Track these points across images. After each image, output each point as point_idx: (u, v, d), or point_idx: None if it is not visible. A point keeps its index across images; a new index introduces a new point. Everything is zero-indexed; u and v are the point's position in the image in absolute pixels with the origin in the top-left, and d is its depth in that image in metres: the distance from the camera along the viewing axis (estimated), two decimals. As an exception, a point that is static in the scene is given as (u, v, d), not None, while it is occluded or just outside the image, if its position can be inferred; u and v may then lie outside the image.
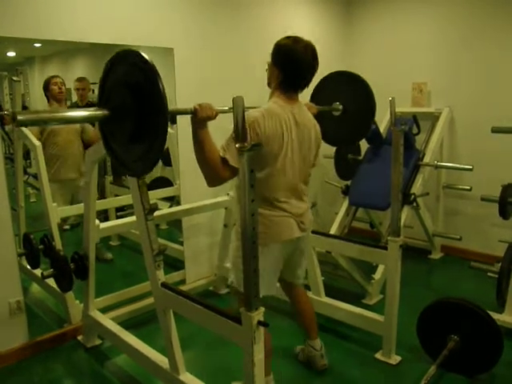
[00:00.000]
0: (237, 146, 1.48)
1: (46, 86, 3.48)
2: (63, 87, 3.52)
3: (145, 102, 1.60)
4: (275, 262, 2.14)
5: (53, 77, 3.49)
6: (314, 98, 2.77)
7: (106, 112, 1.71)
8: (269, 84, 2.12)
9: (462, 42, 4.11)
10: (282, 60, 2.01)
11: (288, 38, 2.03)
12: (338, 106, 2.72)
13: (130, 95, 1.64)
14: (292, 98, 2.07)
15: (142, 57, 1.59)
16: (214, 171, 1.87)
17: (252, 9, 3.76)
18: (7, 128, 3.17)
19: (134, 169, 1.79)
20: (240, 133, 1.51)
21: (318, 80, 2.72)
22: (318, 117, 2.51)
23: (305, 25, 4.27)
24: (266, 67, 2.10)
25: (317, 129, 2.19)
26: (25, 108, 3.57)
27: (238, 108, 1.54)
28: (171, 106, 1.56)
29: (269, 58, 2.06)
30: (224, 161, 1.86)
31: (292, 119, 2.02)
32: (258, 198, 1.60)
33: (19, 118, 1.42)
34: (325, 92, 2.77)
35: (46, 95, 3.50)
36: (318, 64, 2.06)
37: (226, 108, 1.98)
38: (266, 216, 2.03)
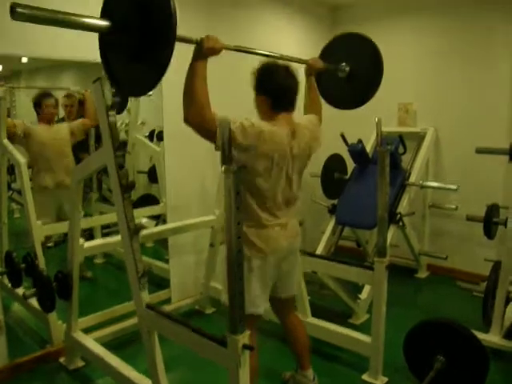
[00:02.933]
0: (223, 168, 1.47)
1: (38, 104, 3.47)
2: (56, 109, 3.53)
3: (152, 17, 1.54)
4: (263, 276, 2.08)
5: (46, 96, 3.48)
6: (322, 56, 2.69)
7: (108, 23, 1.62)
8: (261, 115, 2.10)
9: (447, 63, 4.18)
10: (266, 84, 2.04)
11: (263, 64, 2.08)
12: (345, 67, 2.63)
13: (137, 9, 1.57)
14: (286, 117, 2.06)
15: None
16: (199, 107, 1.81)
17: (242, 28, 3.82)
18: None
19: (131, 89, 1.75)
20: (226, 154, 1.50)
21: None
22: (324, 75, 2.51)
23: (291, 48, 4.32)
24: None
25: (314, 135, 2.20)
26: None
27: (224, 132, 1.53)
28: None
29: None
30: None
31: (290, 135, 2.03)
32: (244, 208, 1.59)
33: (18, 10, 1.34)
34: (334, 52, 2.70)
35: (36, 110, 3.49)
36: (298, 82, 2.09)
37: (232, 46, 1.96)
38: (252, 229, 2.02)
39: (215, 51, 1.81)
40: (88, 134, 3.77)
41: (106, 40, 1.74)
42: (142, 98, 3.89)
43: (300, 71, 2.44)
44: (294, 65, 2.17)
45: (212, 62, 1.86)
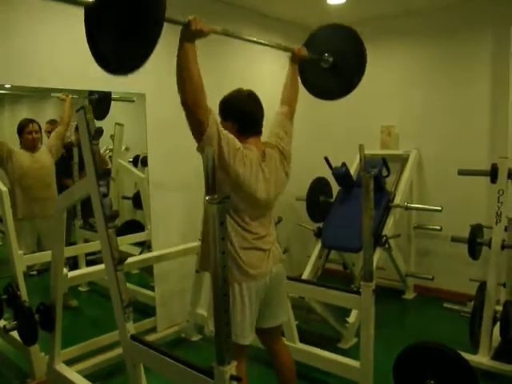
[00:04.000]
0: (207, 198, 1.46)
1: (20, 131, 3.45)
2: (38, 134, 3.49)
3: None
4: (249, 303, 2.05)
5: (28, 122, 3.45)
6: (307, 46, 2.67)
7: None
8: None
9: (428, 87, 4.28)
10: (232, 110, 2.09)
11: (227, 94, 2.14)
12: (328, 57, 2.63)
13: None
14: (255, 141, 2.11)
15: None
16: (195, 87, 1.80)
17: (225, 56, 3.86)
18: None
19: (118, 67, 1.71)
20: (210, 185, 1.50)
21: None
22: (307, 66, 2.54)
23: (273, 74, 4.36)
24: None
25: (284, 155, 2.22)
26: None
27: (208, 161, 1.53)
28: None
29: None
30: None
31: (259, 157, 2.06)
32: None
33: None
34: (317, 42, 2.70)
35: (19, 137, 3.46)
36: (262, 107, 2.15)
37: (219, 29, 1.95)
38: (237, 251, 2.01)
39: (203, 33, 1.79)
40: (72, 158, 3.74)
41: (92, 16, 1.71)
42: (126, 124, 3.89)
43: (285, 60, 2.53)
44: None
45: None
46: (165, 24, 1.56)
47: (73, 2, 1.59)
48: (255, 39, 2.32)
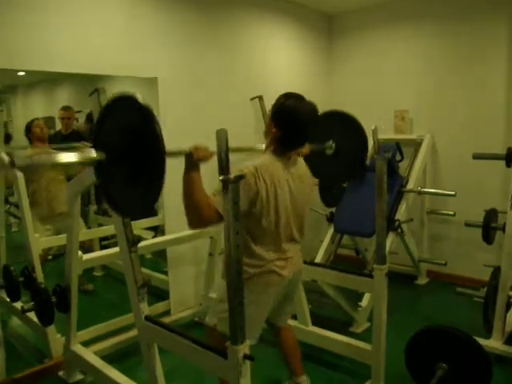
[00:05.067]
0: (220, 178, 1.47)
1: (28, 130, 3.51)
2: (44, 129, 3.55)
3: (142, 145, 1.58)
4: (263, 310, 2.10)
5: (33, 120, 3.54)
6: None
7: (102, 155, 1.68)
8: (265, 135, 2.09)
9: (442, 70, 4.21)
10: (284, 120, 1.98)
11: (290, 97, 2.00)
12: (331, 144, 2.65)
13: (127, 138, 1.62)
14: (285, 155, 2.04)
15: (138, 102, 1.58)
16: (201, 215, 1.78)
17: (236, 41, 3.83)
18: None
19: (132, 212, 1.79)
20: (224, 165, 1.50)
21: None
22: (311, 155, 2.50)
23: (288, 58, 4.35)
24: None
25: (310, 179, 2.22)
26: (8, 136, 3.56)
27: (221, 141, 1.54)
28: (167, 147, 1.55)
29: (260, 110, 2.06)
30: (212, 205, 1.79)
31: (286, 174, 2.02)
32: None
33: (18, 163, 1.47)
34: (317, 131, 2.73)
35: (28, 137, 3.51)
36: (317, 122, 2.05)
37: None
38: (254, 265, 2.01)
39: (206, 159, 1.79)
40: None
41: (103, 169, 1.78)
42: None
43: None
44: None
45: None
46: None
47: (85, 162, 1.74)
48: None
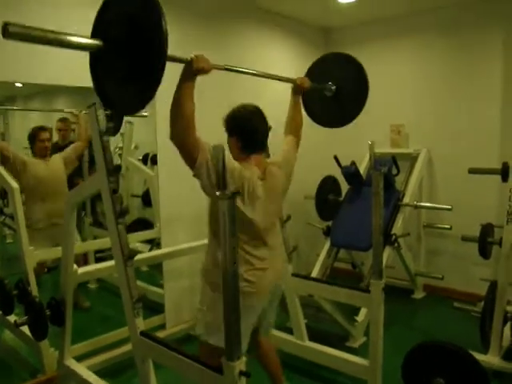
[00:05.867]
0: (217, 193, 1.47)
1: (32, 139, 3.45)
2: (49, 142, 3.50)
3: (143, 36, 1.54)
4: (252, 316, 2.11)
5: (39, 131, 3.45)
6: (309, 75, 2.68)
7: (99, 43, 1.62)
8: (233, 156, 2.13)
9: (438, 85, 4.26)
10: (236, 127, 2.10)
11: (233, 110, 2.13)
12: (331, 86, 2.64)
13: (129, 30, 1.57)
14: (256, 158, 2.11)
15: None
16: (184, 127, 1.83)
17: (231, 54, 3.85)
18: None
19: (123, 108, 1.77)
20: (221, 181, 1.50)
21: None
22: (311, 94, 2.51)
23: (284, 72, 4.35)
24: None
25: (287, 172, 2.25)
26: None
27: (218, 156, 1.53)
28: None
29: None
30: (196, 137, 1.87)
31: (258, 175, 2.07)
32: None
33: (11, 29, 1.33)
34: (319, 72, 2.70)
35: (30, 143, 3.47)
36: (267, 124, 2.16)
37: (222, 65, 1.98)
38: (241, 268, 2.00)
39: (205, 71, 1.82)
40: (81, 159, 3.76)
41: (97, 59, 1.74)
42: (136, 122, 3.91)
43: (287, 91, 2.48)
44: (280, 87, 2.19)
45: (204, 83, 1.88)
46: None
47: (79, 48, 1.62)
48: (255, 72, 2.28)
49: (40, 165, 3.45)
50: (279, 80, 2.44)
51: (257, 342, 2.43)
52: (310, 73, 2.72)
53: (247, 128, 2.09)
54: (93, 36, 1.68)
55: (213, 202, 2.02)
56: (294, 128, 2.43)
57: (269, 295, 2.17)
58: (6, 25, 1.33)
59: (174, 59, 1.73)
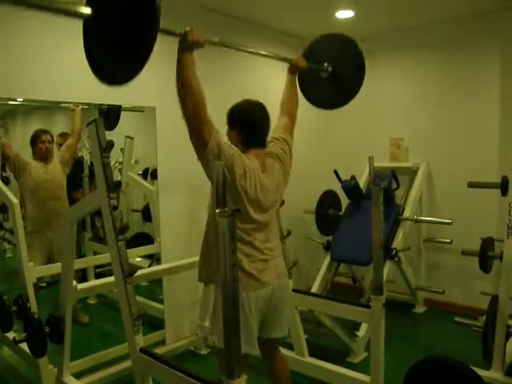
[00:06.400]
0: (217, 211, 1.47)
1: (34, 141, 3.49)
2: (50, 145, 3.52)
3: (136, 5, 1.53)
4: (254, 312, 2.05)
5: (41, 133, 3.50)
6: (305, 56, 2.67)
7: (89, 10, 1.61)
8: None
9: (437, 99, 4.28)
10: (238, 120, 2.12)
11: (237, 103, 2.16)
12: (327, 67, 2.64)
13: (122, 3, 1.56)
14: (256, 152, 2.11)
15: None
16: (195, 102, 1.83)
17: (233, 72, 3.87)
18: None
19: (113, 77, 1.74)
20: (221, 198, 1.50)
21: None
22: (306, 76, 2.53)
23: (278, 83, 4.39)
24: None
25: (283, 171, 2.23)
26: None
27: (218, 173, 1.54)
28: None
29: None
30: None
31: (259, 167, 2.07)
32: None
33: None
34: (316, 53, 2.70)
35: (31, 146, 3.49)
36: (269, 119, 2.17)
37: (216, 40, 2.00)
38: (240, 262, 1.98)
39: (199, 44, 1.83)
40: (82, 171, 3.78)
41: (89, 27, 1.73)
42: (136, 137, 3.92)
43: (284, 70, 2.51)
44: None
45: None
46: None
47: (69, 13, 1.62)
48: (252, 50, 2.33)
49: (40, 169, 3.48)
50: (274, 59, 2.48)
51: (270, 363, 2.36)
52: (307, 54, 2.72)
53: (250, 121, 2.11)
54: (87, 3, 1.67)
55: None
56: (289, 108, 2.44)
57: (269, 291, 2.11)
58: None
59: (167, 32, 1.72)
